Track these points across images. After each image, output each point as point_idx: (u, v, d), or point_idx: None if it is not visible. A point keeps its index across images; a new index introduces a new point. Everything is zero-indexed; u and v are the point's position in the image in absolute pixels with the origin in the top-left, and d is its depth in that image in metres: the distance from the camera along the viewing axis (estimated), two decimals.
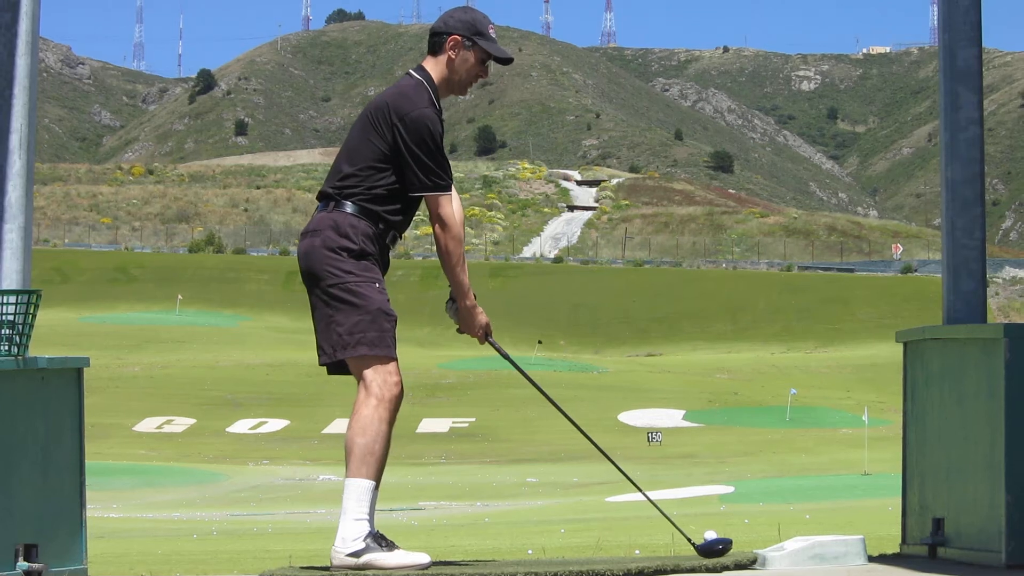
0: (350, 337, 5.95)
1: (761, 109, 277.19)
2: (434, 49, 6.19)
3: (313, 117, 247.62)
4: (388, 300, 6.06)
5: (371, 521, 5.94)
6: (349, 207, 6.07)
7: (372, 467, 5.92)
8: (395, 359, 6.00)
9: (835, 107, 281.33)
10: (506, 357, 6.27)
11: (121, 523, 23.25)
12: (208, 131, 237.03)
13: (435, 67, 6.18)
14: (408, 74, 6.16)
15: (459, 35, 6.14)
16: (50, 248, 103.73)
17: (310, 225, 6.09)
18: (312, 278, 6.04)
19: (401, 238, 6.25)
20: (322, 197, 6.17)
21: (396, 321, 6.02)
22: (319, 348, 6.05)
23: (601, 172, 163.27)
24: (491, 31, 6.19)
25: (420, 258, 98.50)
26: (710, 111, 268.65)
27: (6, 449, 5.57)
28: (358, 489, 5.92)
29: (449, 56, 6.15)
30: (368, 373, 5.96)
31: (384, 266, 6.16)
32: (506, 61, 6.21)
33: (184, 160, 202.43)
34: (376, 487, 5.95)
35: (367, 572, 5.86)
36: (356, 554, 5.90)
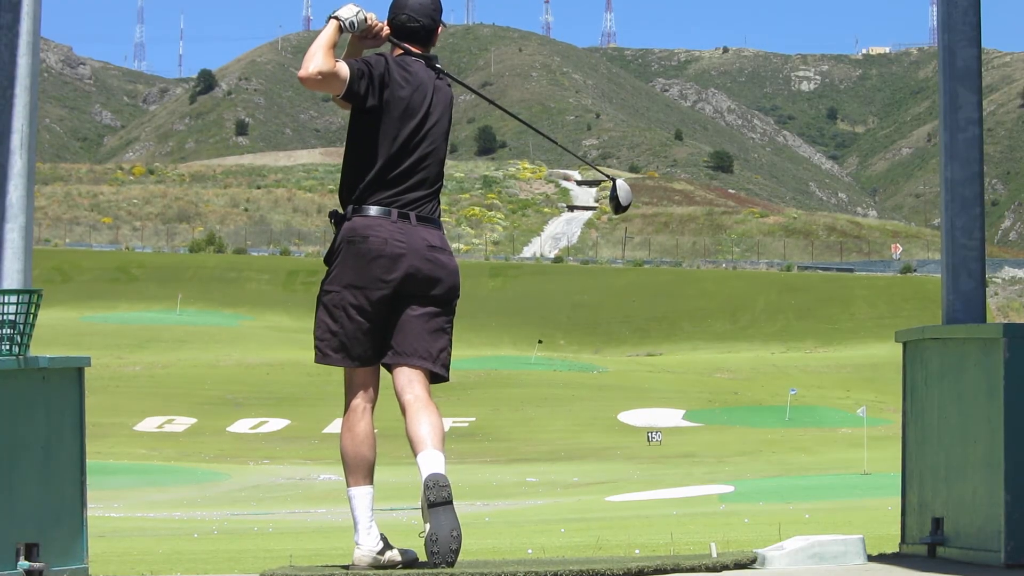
0: (448, 357, 6.02)
1: (761, 109, 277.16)
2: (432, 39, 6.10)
3: (314, 117, 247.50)
4: None
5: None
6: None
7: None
8: None
9: (835, 107, 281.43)
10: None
11: (122, 522, 23.26)
12: (209, 131, 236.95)
13: None
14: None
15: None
16: (51, 248, 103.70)
17: (431, 239, 5.87)
18: (454, 293, 5.95)
19: None
20: (421, 201, 5.92)
21: None
22: (439, 361, 6.00)
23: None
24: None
25: None
26: (710, 111, 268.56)
27: (7, 448, 5.57)
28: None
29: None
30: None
31: None
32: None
33: (185, 160, 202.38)
34: None
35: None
36: None
